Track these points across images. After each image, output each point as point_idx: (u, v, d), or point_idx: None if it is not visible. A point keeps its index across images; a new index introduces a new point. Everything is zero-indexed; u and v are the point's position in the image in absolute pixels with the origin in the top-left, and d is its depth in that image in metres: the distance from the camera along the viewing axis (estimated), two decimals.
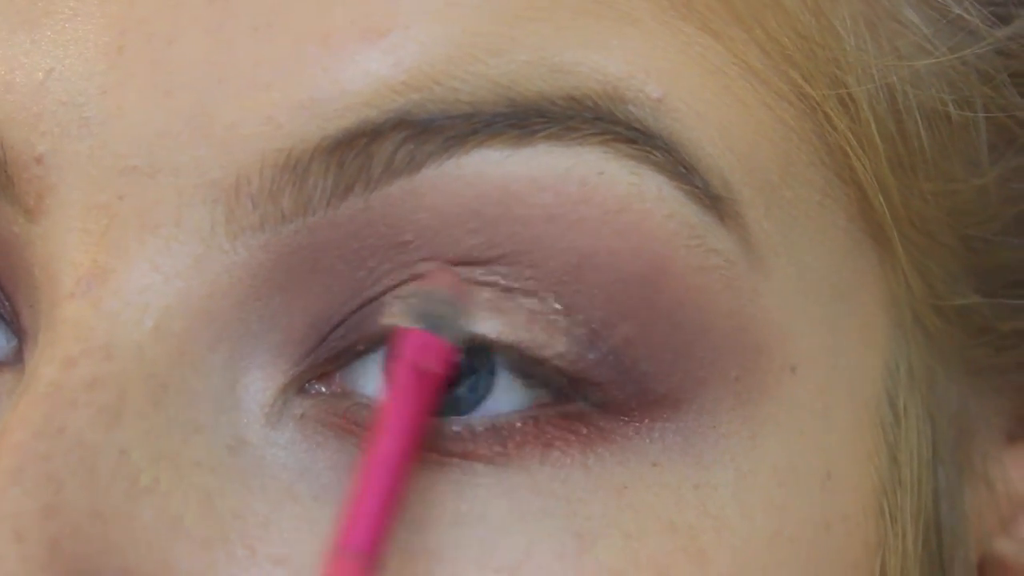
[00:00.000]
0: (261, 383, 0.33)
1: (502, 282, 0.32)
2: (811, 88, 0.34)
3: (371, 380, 0.33)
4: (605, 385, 0.33)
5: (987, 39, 0.36)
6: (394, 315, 0.32)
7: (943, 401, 0.37)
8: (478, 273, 0.32)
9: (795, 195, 0.34)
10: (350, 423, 0.33)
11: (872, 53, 0.34)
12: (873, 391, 0.36)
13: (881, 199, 0.35)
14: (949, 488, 0.37)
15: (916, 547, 0.36)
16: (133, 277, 0.32)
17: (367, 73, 0.32)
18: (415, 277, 0.32)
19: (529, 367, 0.33)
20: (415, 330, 0.32)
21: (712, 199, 0.33)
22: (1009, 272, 0.38)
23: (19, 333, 0.34)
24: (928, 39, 0.35)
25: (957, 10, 0.35)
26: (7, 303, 0.35)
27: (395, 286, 0.32)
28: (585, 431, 0.33)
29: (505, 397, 0.33)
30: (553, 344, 0.32)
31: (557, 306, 0.32)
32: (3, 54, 0.33)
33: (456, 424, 0.32)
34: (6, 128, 0.33)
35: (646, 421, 0.33)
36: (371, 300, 0.33)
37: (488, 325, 0.32)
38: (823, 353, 0.35)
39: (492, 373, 0.33)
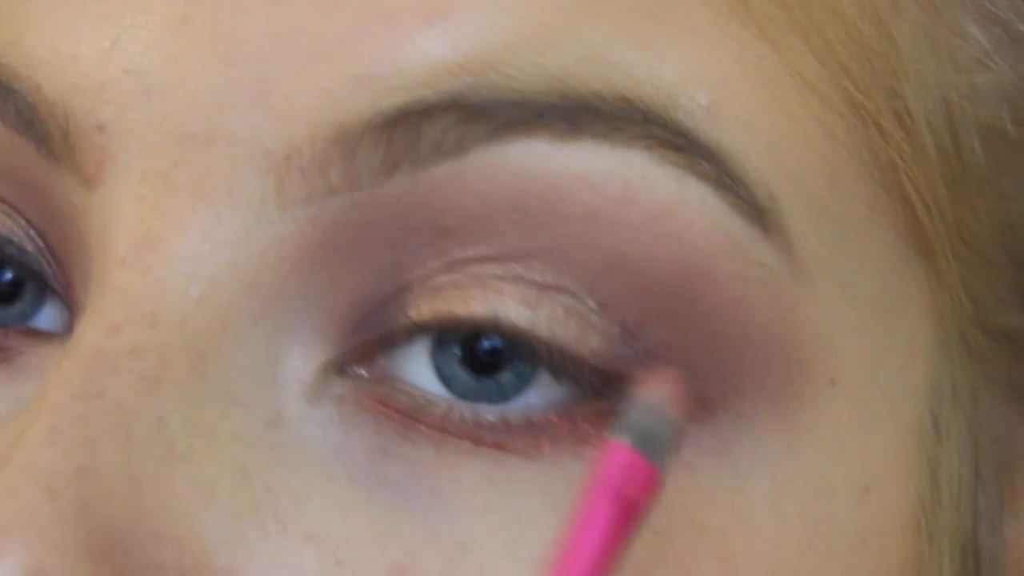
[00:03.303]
0: (302, 360, 0.33)
1: (539, 279, 0.32)
2: (866, 99, 0.34)
3: (414, 367, 0.33)
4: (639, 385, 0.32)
5: None
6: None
7: (987, 423, 0.37)
8: (515, 269, 0.32)
9: (842, 209, 0.34)
10: (389, 408, 0.33)
11: (931, 66, 0.34)
12: (915, 408, 0.35)
13: (931, 214, 0.34)
14: (989, 511, 0.37)
15: (953, 568, 0.36)
16: (184, 246, 0.32)
17: (425, 53, 0.32)
18: (449, 266, 0.32)
19: (563, 362, 0.32)
20: (626, 448, 0.30)
21: (757, 211, 0.33)
22: None
23: (71, 306, 0.35)
24: (989, 54, 0.35)
25: (1020, 26, 0.35)
26: (62, 276, 0.35)
27: (427, 276, 0.33)
28: None
29: (543, 390, 0.33)
30: (587, 340, 0.32)
31: (592, 304, 0.32)
32: (71, 24, 0.34)
33: (491, 414, 0.32)
34: (71, 97, 0.33)
35: None
36: (406, 287, 0.33)
37: (523, 318, 0.32)
38: (865, 367, 0.34)
39: (535, 364, 0.33)
